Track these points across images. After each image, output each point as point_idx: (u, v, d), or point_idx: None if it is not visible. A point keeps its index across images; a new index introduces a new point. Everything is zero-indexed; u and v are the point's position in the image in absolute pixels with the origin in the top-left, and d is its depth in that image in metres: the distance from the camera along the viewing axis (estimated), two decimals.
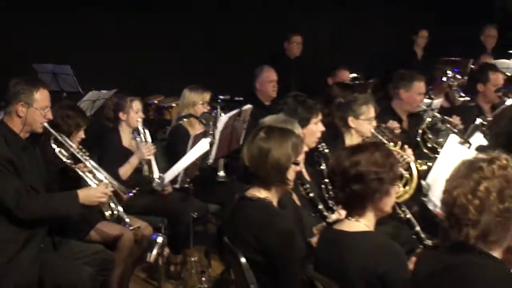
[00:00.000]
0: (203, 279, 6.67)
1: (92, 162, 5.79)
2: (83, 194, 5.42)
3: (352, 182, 3.78)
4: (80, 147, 5.85)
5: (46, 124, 5.45)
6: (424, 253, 3.76)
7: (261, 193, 4.34)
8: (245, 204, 4.37)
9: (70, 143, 5.78)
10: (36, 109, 5.34)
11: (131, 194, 5.76)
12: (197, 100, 7.54)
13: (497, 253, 3.17)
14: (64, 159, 5.72)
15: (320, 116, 5.86)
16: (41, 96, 5.38)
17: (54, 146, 5.70)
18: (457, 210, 3.13)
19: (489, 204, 3.07)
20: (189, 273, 6.83)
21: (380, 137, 6.43)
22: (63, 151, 5.73)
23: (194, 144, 6.33)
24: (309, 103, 5.82)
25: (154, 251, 5.54)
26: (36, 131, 5.46)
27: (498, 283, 3.08)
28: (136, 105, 7.07)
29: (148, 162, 6.85)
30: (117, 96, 7.57)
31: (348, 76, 9.82)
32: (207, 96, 7.63)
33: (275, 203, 4.39)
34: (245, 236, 4.27)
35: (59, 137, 5.66)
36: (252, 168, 4.32)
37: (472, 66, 10.25)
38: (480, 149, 5.46)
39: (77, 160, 5.76)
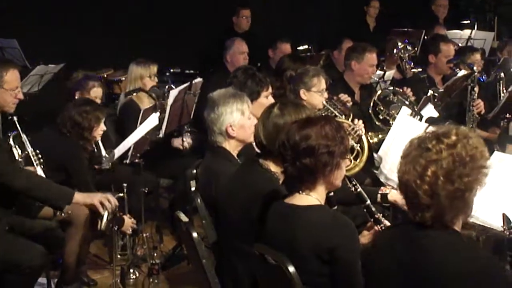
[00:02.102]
0: (155, 254, 6.64)
1: (40, 171, 5.75)
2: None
3: (302, 156, 3.73)
4: (37, 151, 5.82)
5: (15, 119, 5.56)
6: (385, 229, 3.75)
7: (275, 167, 4.31)
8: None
9: (28, 145, 5.78)
10: (6, 90, 5.35)
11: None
12: (144, 74, 7.45)
13: (456, 227, 3.17)
14: (16, 157, 5.71)
15: (270, 89, 5.82)
16: (11, 77, 5.41)
17: (11, 142, 5.76)
18: (409, 194, 3.14)
19: (438, 188, 3.06)
20: (141, 249, 6.79)
21: (332, 109, 6.42)
22: (18, 149, 5.73)
23: (143, 119, 6.26)
24: (259, 76, 5.78)
25: (104, 219, 5.48)
26: (8, 111, 5.51)
27: (458, 254, 3.08)
28: (95, 92, 6.95)
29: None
30: (84, 75, 7.42)
31: (289, 48, 9.75)
32: (154, 69, 7.54)
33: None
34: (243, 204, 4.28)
35: (23, 136, 5.68)
36: (270, 146, 4.26)
37: (425, 37, 10.28)
38: (430, 121, 5.46)
39: (29, 163, 5.75)
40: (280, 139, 3.90)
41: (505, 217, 3.35)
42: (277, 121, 4.25)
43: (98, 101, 6.86)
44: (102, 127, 6.27)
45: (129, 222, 6.06)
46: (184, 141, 7.02)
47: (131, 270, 6.55)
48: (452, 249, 3.09)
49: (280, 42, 9.72)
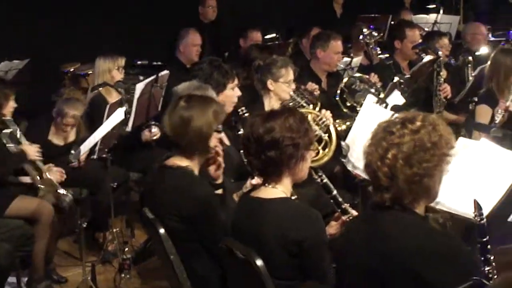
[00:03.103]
0: (126, 249, 6.60)
1: None
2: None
3: (267, 149, 3.74)
4: None
5: None
6: (353, 219, 3.80)
7: (182, 162, 4.33)
8: (165, 173, 4.35)
9: None
10: None
11: None
12: (112, 67, 7.39)
13: (418, 209, 3.21)
14: None
15: (236, 81, 5.81)
16: None
17: None
18: (371, 175, 3.19)
19: (397, 171, 3.10)
20: (112, 244, 6.76)
21: (299, 99, 6.40)
22: None
23: (110, 113, 6.22)
24: (224, 68, 5.76)
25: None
26: None
27: (418, 235, 3.12)
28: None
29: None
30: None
31: (260, 36, 9.73)
32: (121, 61, 7.49)
33: (196, 171, 4.38)
34: (166, 205, 4.27)
35: None
36: (174, 137, 4.32)
37: (392, 22, 10.29)
38: (395, 108, 5.45)
39: None
40: (244, 132, 3.91)
41: (476, 204, 3.35)
42: (183, 114, 4.27)
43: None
44: (12, 105, 6.29)
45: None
46: (152, 133, 6.97)
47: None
48: (412, 229, 3.14)
49: (250, 30, 9.69)
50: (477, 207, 3.35)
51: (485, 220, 3.34)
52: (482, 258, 3.25)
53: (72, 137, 6.78)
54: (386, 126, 3.21)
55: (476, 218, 3.33)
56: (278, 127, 3.75)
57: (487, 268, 3.20)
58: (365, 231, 3.26)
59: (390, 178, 3.12)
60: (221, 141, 4.52)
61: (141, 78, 7.32)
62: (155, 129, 6.89)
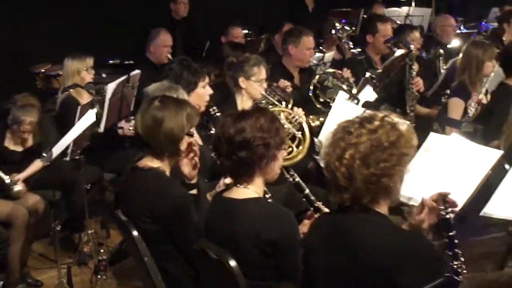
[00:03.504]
0: (101, 250, 6.57)
1: None
2: None
3: (238, 149, 3.74)
4: None
5: None
6: (319, 218, 3.78)
7: (153, 163, 4.32)
8: (137, 174, 4.34)
9: None
10: None
11: None
12: (81, 68, 7.34)
13: (380, 209, 3.21)
14: None
15: (207, 79, 5.80)
16: None
17: None
18: (330, 175, 3.19)
19: (354, 171, 3.10)
20: (87, 246, 6.72)
21: (271, 98, 6.39)
22: None
23: (81, 115, 6.19)
24: (195, 67, 5.74)
25: None
26: None
27: (381, 234, 3.12)
28: None
29: None
30: None
31: (241, 32, 9.73)
32: (90, 61, 7.43)
33: (167, 172, 4.36)
34: (138, 207, 4.25)
35: None
36: (145, 137, 4.29)
37: (364, 16, 10.30)
38: (366, 105, 5.47)
39: None
40: (215, 133, 3.91)
41: (442, 198, 3.36)
42: (156, 114, 4.24)
43: None
44: None
45: None
46: (130, 124, 6.93)
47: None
48: (377, 229, 3.14)
49: (231, 27, 9.67)
50: (443, 202, 3.35)
51: (451, 215, 3.35)
52: (450, 253, 3.26)
53: (30, 142, 6.68)
54: (345, 126, 3.21)
55: (442, 213, 3.34)
56: (249, 127, 3.74)
57: (455, 263, 3.20)
58: (331, 233, 3.26)
59: (348, 178, 3.11)
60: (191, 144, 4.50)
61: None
62: (130, 123, 6.87)
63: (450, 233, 3.27)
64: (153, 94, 4.85)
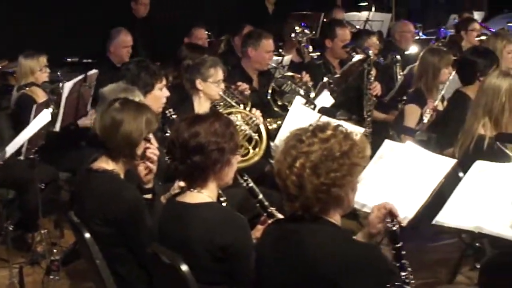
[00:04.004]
0: (55, 250, 6.50)
1: None
2: None
3: (192, 154, 3.73)
4: None
5: None
6: (271, 224, 3.77)
7: (109, 165, 4.31)
8: (91, 176, 4.33)
9: None
10: None
11: None
12: (34, 67, 7.27)
13: (331, 218, 3.21)
14: None
15: (164, 81, 5.78)
16: None
17: None
18: (281, 183, 3.19)
19: (304, 180, 3.09)
20: (40, 245, 6.66)
21: (229, 99, 6.40)
22: None
23: (36, 114, 6.13)
24: (152, 68, 5.72)
25: None
26: None
27: (332, 244, 3.13)
28: None
29: None
30: None
31: (204, 34, 9.69)
32: (43, 60, 7.36)
33: (122, 175, 4.36)
34: (92, 209, 4.24)
35: None
36: (103, 138, 4.28)
37: (324, 20, 10.34)
38: (322, 110, 5.49)
39: None
40: (169, 137, 3.90)
41: (389, 210, 3.38)
42: (115, 116, 4.24)
43: None
44: None
45: None
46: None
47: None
48: (329, 240, 3.14)
49: (194, 28, 9.63)
50: (390, 214, 3.38)
51: (398, 226, 3.37)
52: (398, 264, 3.29)
53: None
54: (297, 134, 3.21)
55: (389, 225, 3.36)
56: (204, 132, 3.74)
57: (403, 274, 3.23)
58: (282, 242, 3.26)
59: (298, 187, 3.11)
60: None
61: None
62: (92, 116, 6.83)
63: (397, 245, 3.30)
64: (109, 95, 4.84)
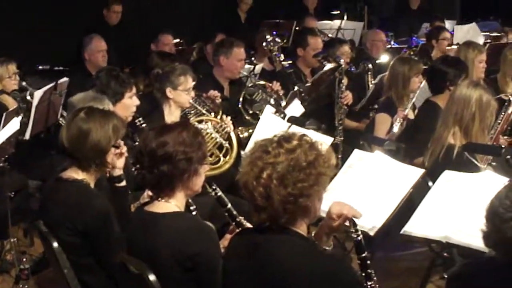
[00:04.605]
0: (24, 259, 6.45)
1: None
2: None
3: (160, 163, 3.72)
4: None
5: None
6: (238, 234, 3.77)
7: (78, 175, 4.31)
8: (61, 186, 4.33)
9: None
10: None
11: None
12: (3, 74, 7.23)
13: (298, 229, 3.21)
14: None
15: (134, 90, 5.77)
16: None
17: None
18: (248, 195, 3.18)
19: (271, 191, 3.09)
20: (10, 253, 6.61)
21: (200, 108, 6.40)
22: None
23: (6, 122, 6.09)
24: (122, 77, 5.73)
25: None
26: None
27: (298, 256, 3.13)
28: None
29: None
30: None
31: (171, 40, 9.68)
32: (12, 68, 7.31)
33: (92, 185, 4.36)
34: (61, 218, 4.23)
35: None
36: (71, 149, 4.29)
37: (297, 28, 10.36)
38: (292, 120, 5.50)
39: None
40: (137, 146, 3.89)
41: (351, 220, 3.40)
42: (82, 125, 4.26)
43: None
44: None
45: None
46: None
47: None
48: (292, 250, 3.14)
49: (161, 34, 9.62)
50: (352, 224, 3.39)
51: (361, 236, 3.38)
52: (363, 274, 3.29)
53: None
54: (262, 144, 3.20)
55: (353, 235, 3.37)
56: (171, 141, 3.73)
57: (369, 283, 3.23)
58: (249, 253, 3.25)
59: (266, 198, 3.10)
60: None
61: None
62: None
63: (363, 254, 3.31)
64: (78, 104, 4.84)
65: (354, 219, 3.43)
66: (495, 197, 2.92)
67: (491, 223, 2.90)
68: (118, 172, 4.56)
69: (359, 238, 3.37)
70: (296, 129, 5.15)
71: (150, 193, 4.36)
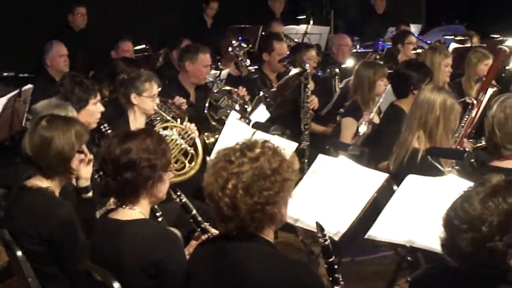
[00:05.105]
0: None
1: None
2: None
3: (123, 170, 3.71)
4: None
5: None
6: (203, 243, 3.78)
7: (43, 183, 4.29)
8: (25, 194, 4.31)
9: None
10: None
11: None
12: None
13: (265, 236, 3.22)
14: None
15: (99, 96, 5.74)
16: None
17: None
18: (213, 205, 3.17)
19: (238, 201, 3.09)
20: None
21: (165, 114, 6.39)
22: None
23: None
24: (86, 84, 5.70)
25: None
26: None
27: (267, 263, 3.14)
28: None
29: None
30: None
31: (131, 46, 9.61)
32: None
33: (57, 192, 4.35)
34: (25, 227, 4.20)
35: None
36: (34, 158, 4.27)
37: (263, 33, 10.36)
38: (256, 126, 5.51)
39: None
40: (101, 153, 3.87)
41: (318, 225, 3.41)
42: (44, 134, 4.25)
43: None
44: None
45: None
46: None
47: None
48: (261, 258, 3.15)
49: (121, 41, 9.56)
50: (320, 229, 3.39)
51: (329, 241, 3.39)
52: (331, 279, 3.30)
53: None
54: (225, 154, 3.20)
55: (320, 240, 3.38)
56: (135, 148, 3.72)
57: None
58: (216, 261, 3.25)
59: (232, 208, 3.10)
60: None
61: None
62: None
63: (330, 259, 3.32)
64: (42, 111, 4.82)
65: (321, 224, 3.45)
66: (450, 208, 2.95)
67: (447, 233, 2.93)
68: (85, 183, 4.55)
69: (326, 243, 3.38)
70: (261, 135, 5.17)
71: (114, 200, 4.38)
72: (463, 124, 6.04)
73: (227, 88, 7.46)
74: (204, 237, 4.20)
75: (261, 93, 6.74)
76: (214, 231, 4.25)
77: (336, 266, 3.35)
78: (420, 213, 4.34)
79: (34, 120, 4.76)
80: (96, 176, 4.79)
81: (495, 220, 2.82)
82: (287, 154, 3.22)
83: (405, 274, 5.76)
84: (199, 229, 4.26)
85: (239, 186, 3.08)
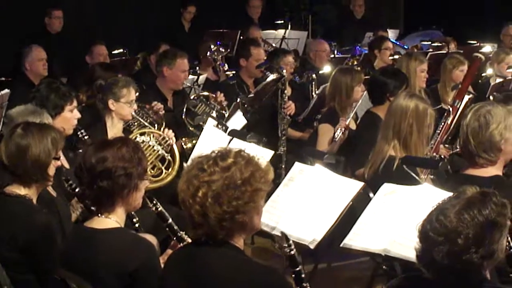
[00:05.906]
0: None
1: None
2: None
3: (99, 179, 3.73)
4: None
5: None
6: (176, 250, 3.80)
7: (20, 190, 4.30)
8: (2, 201, 4.31)
9: None
10: None
11: None
12: None
13: (235, 243, 3.25)
14: None
15: (75, 103, 5.72)
16: None
17: None
18: (185, 211, 3.21)
19: (207, 209, 3.12)
20: None
21: (142, 120, 6.40)
22: None
23: None
24: (62, 90, 5.67)
25: None
26: None
27: (234, 269, 3.19)
28: None
29: None
30: None
31: (105, 50, 9.55)
32: None
33: (35, 200, 4.36)
34: (2, 235, 4.18)
35: None
36: (11, 166, 4.27)
37: (241, 38, 10.36)
38: (232, 133, 5.52)
39: None
40: (76, 162, 3.88)
41: (283, 235, 3.42)
42: (20, 142, 4.25)
43: None
44: None
45: None
46: None
47: None
48: (229, 262, 3.20)
49: (94, 45, 9.51)
50: (285, 239, 3.41)
51: (294, 250, 3.40)
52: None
53: None
54: (199, 162, 3.23)
55: (286, 250, 3.39)
56: (111, 157, 3.73)
57: None
58: (188, 268, 3.28)
59: (202, 215, 3.14)
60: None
61: None
62: None
63: (297, 269, 3.34)
64: (17, 117, 4.82)
65: (287, 234, 3.47)
66: (426, 220, 2.99)
67: (423, 245, 2.96)
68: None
69: (292, 252, 3.39)
70: (238, 143, 5.18)
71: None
72: (439, 131, 6.04)
73: (205, 93, 7.44)
74: (180, 245, 4.21)
75: (239, 99, 6.74)
76: (189, 240, 4.27)
77: (303, 275, 3.38)
78: (395, 222, 4.34)
79: (9, 127, 4.75)
80: (67, 186, 4.82)
81: (471, 232, 2.86)
82: (262, 164, 3.23)
83: (381, 280, 5.80)
84: (174, 238, 4.27)
85: (209, 195, 3.12)
